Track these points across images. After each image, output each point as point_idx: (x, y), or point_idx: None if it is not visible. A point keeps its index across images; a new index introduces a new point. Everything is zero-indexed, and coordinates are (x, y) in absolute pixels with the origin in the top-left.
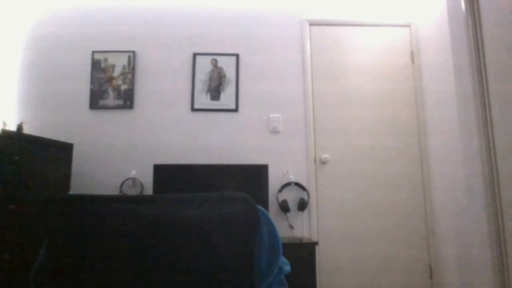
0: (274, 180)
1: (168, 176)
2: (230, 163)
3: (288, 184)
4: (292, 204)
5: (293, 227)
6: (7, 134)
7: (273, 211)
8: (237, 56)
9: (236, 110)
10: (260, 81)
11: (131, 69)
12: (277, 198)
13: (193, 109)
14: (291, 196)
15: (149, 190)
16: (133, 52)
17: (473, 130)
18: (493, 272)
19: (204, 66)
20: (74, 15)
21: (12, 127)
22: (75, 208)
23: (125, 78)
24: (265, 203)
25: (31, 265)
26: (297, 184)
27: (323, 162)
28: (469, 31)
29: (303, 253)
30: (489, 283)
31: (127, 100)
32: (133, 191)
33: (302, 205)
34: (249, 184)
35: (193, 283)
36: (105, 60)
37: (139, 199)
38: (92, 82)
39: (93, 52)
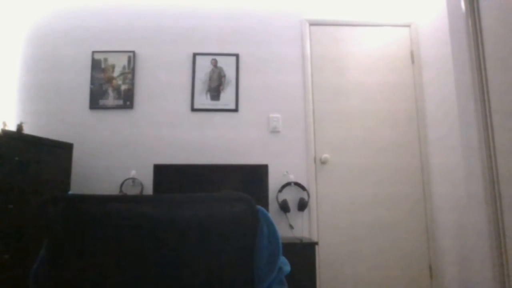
0: (274, 180)
1: (168, 176)
2: (230, 163)
3: (288, 184)
4: (292, 204)
5: (293, 227)
6: (7, 134)
7: (273, 211)
8: (237, 56)
9: (236, 110)
10: (260, 81)
11: (131, 69)
12: (277, 198)
13: (193, 109)
14: (291, 196)
15: (149, 190)
16: (133, 52)
17: (473, 129)
18: (493, 271)
19: (204, 66)
20: (74, 15)
21: (12, 127)
22: (75, 208)
23: (125, 78)
24: (265, 203)
25: (31, 265)
26: (297, 184)
27: (323, 162)
28: (469, 31)
29: (303, 253)
30: (489, 281)
31: (127, 100)
32: (133, 191)
33: (302, 205)
34: (249, 184)
35: (193, 284)
36: (105, 60)
37: (139, 199)
38: (92, 82)
39: (93, 52)
